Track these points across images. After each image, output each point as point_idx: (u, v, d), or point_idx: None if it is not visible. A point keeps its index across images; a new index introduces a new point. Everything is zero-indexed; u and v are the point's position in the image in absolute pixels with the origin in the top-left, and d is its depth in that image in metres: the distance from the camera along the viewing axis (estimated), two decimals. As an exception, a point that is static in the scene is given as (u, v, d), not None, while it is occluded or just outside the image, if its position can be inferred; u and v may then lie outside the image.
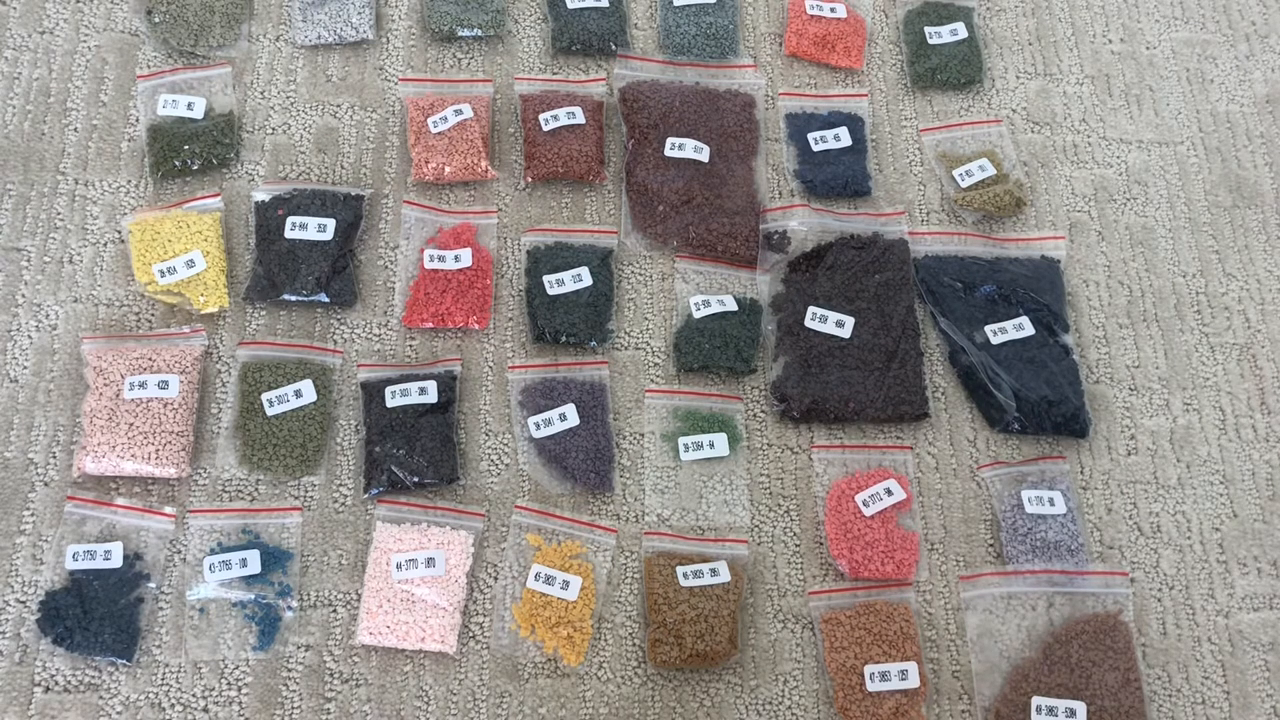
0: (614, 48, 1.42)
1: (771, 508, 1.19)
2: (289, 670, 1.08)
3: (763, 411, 1.24)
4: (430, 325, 1.24)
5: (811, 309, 1.27)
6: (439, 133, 1.31)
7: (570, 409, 1.19)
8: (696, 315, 1.26)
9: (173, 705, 1.05)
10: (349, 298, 1.24)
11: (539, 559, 1.13)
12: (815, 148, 1.37)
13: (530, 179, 1.33)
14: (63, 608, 1.07)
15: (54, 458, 1.15)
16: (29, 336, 1.20)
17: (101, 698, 1.05)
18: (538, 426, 1.19)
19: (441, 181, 1.32)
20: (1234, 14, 1.55)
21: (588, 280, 1.26)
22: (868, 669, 1.09)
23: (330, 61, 1.39)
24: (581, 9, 1.43)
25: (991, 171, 1.37)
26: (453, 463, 1.16)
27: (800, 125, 1.40)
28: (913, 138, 1.41)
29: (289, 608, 1.10)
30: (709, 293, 1.28)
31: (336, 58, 1.39)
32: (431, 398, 1.18)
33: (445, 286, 1.24)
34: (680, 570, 1.12)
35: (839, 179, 1.35)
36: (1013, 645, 1.13)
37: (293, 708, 1.06)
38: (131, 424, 1.13)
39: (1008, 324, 1.27)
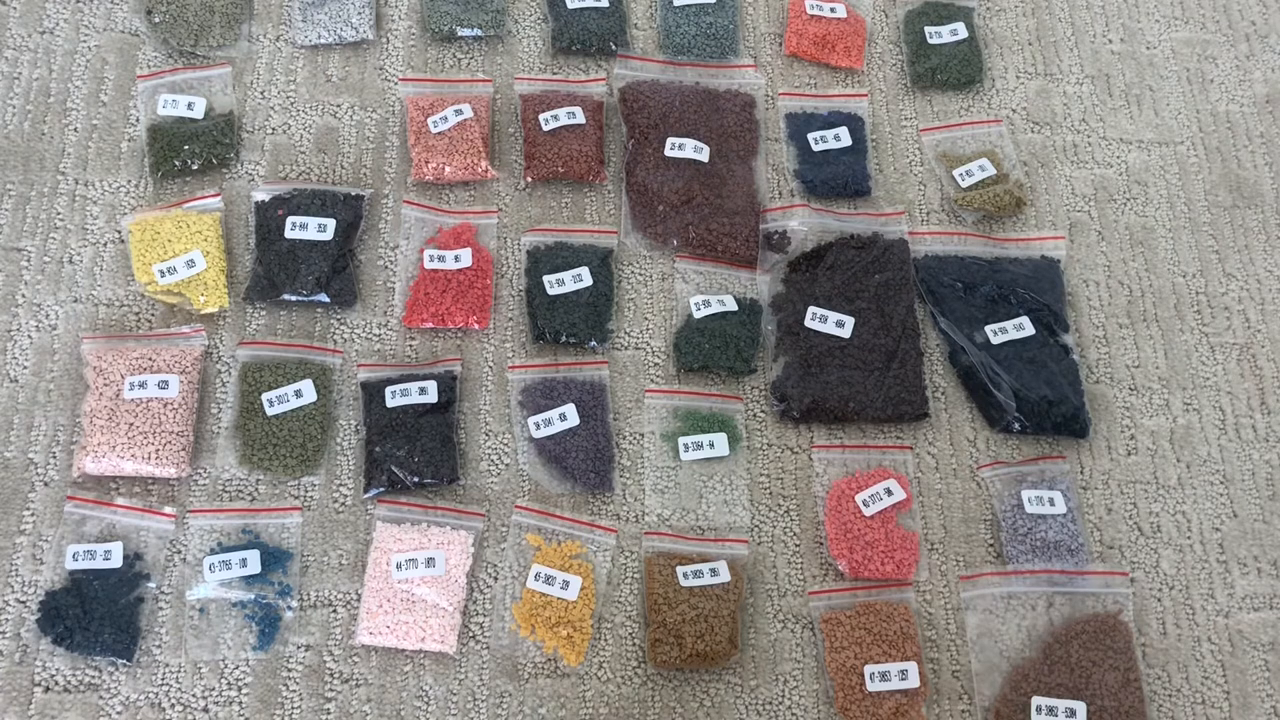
0: (614, 48, 1.42)
1: (771, 508, 1.19)
2: (289, 670, 1.08)
3: (763, 411, 1.24)
4: (430, 325, 1.24)
5: (811, 309, 1.27)
6: (439, 133, 1.31)
7: (570, 409, 1.19)
8: (696, 315, 1.26)
9: (173, 705, 1.05)
10: (349, 298, 1.24)
11: (539, 559, 1.13)
12: (815, 148, 1.37)
13: (530, 179, 1.33)
14: (63, 608, 1.07)
15: (54, 458, 1.15)
16: (29, 336, 1.20)
17: (101, 698, 1.05)
18: (538, 426, 1.19)
19: (441, 181, 1.32)
20: (1234, 14, 1.55)
21: (588, 280, 1.26)
22: (868, 669, 1.09)
23: (330, 61, 1.39)
24: (581, 9, 1.43)
25: (991, 171, 1.37)
26: (453, 463, 1.16)
27: (800, 125, 1.39)
28: (913, 138, 1.41)
29: (289, 608, 1.10)
30: (709, 293, 1.28)
31: (336, 58, 1.39)
32: (431, 398, 1.18)
33: (445, 286, 1.24)
34: (680, 570, 1.12)
35: (839, 179, 1.35)
36: (1013, 645, 1.12)
37: (293, 708, 1.06)
38: (131, 424, 1.13)
39: (1008, 324, 1.27)
